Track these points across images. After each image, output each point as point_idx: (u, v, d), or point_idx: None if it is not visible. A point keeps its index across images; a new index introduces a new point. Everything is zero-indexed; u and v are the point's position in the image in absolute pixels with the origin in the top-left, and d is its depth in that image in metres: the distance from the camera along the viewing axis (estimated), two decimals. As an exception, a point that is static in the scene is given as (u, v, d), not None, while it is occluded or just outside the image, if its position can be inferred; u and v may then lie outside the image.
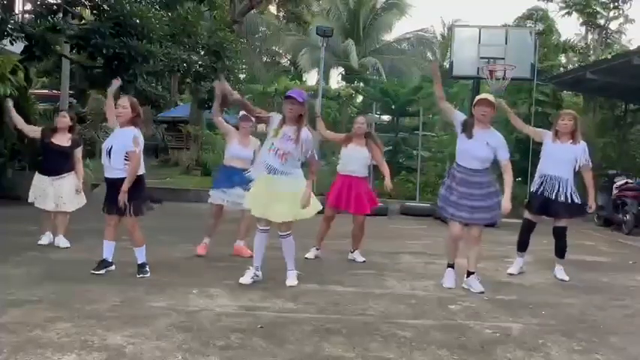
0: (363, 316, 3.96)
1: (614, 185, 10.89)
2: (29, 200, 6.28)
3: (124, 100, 4.92)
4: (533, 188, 5.68)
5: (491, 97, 4.87)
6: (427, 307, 4.27)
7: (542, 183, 5.50)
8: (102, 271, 4.86)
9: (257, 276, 4.82)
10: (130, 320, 3.57)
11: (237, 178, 5.67)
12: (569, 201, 5.39)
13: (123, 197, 4.68)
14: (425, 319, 3.92)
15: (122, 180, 4.74)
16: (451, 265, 5.00)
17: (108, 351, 3.03)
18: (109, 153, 4.82)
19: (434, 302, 4.41)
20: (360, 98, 22.22)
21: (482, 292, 4.75)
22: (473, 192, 4.76)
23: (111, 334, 3.28)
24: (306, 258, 5.95)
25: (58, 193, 6.13)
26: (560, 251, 5.62)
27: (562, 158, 5.40)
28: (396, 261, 6.25)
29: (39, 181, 6.23)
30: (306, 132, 4.63)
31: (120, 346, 3.10)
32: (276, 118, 4.75)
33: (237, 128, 6.08)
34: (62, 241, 6.19)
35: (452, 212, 4.82)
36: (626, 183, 10.72)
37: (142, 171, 4.91)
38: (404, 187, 14.88)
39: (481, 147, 4.75)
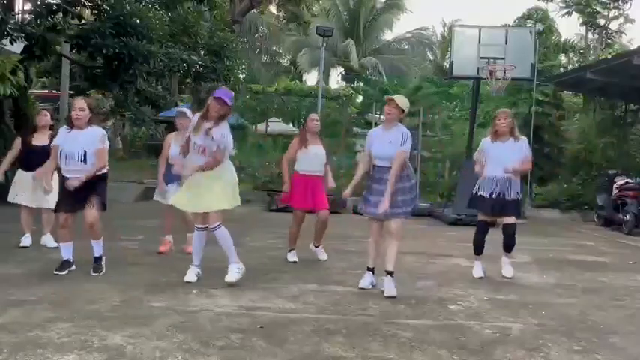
0: (363, 316, 3.95)
1: (614, 185, 10.90)
2: (9, 199, 6.16)
3: (81, 103, 4.88)
4: (480, 191, 5.49)
5: (398, 98, 4.72)
6: (427, 307, 4.27)
7: (492, 185, 5.40)
8: (65, 272, 4.84)
9: (199, 273, 4.83)
10: (130, 320, 3.56)
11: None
12: (519, 198, 5.48)
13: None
14: (425, 319, 3.92)
15: (94, 177, 4.81)
16: (371, 269, 4.93)
17: (108, 351, 3.03)
18: (84, 158, 4.76)
19: (434, 302, 4.41)
20: (360, 98, 22.23)
21: (394, 297, 4.47)
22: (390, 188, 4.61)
23: (111, 334, 3.28)
24: (294, 262, 5.83)
25: (39, 190, 5.82)
26: (509, 246, 5.56)
27: (509, 158, 5.32)
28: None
29: (20, 177, 6.14)
30: (222, 130, 4.62)
31: (120, 346, 3.10)
32: (194, 119, 4.81)
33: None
34: (49, 240, 6.12)
35: (372, 211, 4.72)
36: (626, 183, 10.73)
37: (107, 169, 4.96)
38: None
39: (385, 145, 4.69)
